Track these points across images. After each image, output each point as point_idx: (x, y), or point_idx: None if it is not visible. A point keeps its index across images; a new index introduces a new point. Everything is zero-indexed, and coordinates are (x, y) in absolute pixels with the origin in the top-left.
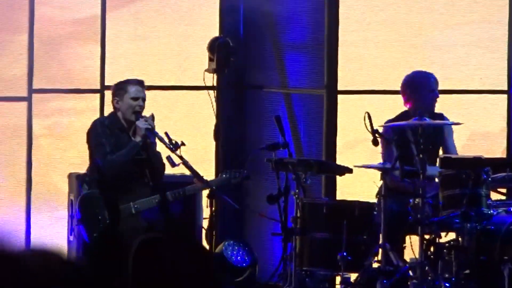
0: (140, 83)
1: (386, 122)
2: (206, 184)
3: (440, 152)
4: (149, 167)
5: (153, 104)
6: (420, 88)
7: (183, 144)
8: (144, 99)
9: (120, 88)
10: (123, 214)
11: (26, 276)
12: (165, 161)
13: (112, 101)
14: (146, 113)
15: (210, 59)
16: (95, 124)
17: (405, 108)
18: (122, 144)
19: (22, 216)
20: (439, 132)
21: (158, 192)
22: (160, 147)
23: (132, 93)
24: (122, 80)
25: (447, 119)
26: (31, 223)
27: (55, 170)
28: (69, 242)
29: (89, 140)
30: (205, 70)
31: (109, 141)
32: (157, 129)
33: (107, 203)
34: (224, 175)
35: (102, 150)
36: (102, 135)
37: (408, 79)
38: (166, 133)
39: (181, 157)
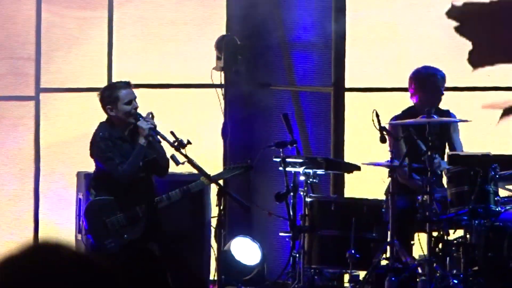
0: (128, 84)
1: (392, 119)
2: (213, 181)
3: (447, 148)
4: (157, 166)
5: (161, 102)
6: (426, 84)
7: (189, 142)
8: (135, 98)
9: (110, 96)
10: (130, 219)
11: (37, 270)
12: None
13: (105, 109)
14: (142, 111)
15: (218, 58)
16: (96, 140)
17: (410, 104)
18: (126, 153)
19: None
20: (446, 129)
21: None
22: (165, 146)
23: (125, 97)
24: (107, 86)
25: (454, 116)
26: (39, 223)
27: (63, 166)
28: (76, 240)
29: (95, 155)
30: (213, 68)
31: (115, 152)
32: (164, 128)
33: (118, 208)
34: (228, 167)
35: (112, 164)
36: (106, 149)
37: (416, 73)
38: (172, 132)
39: (186, 156)
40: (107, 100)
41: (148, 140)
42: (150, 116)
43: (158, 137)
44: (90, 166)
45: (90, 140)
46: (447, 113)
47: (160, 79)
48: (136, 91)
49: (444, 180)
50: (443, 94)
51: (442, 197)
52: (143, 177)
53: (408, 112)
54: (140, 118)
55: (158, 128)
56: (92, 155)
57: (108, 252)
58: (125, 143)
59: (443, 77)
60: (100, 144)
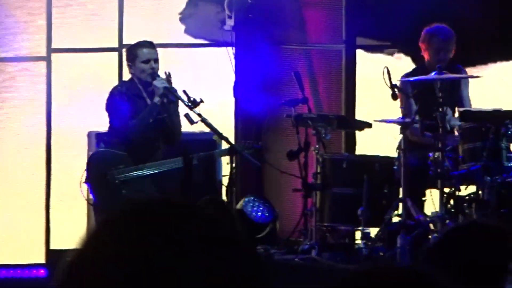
0: (150, 44)
1: (403, 77)
2: (225, 140)
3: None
4: (168, 127)
5: (172, 62)
6: (430, 43)
7: (202, 101)
8: (156, 60)
9: (130, 53)
10: (133, 175)
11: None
12: (183, 118)
13: (128, 67)
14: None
15: (228, 17)
16: (112, 92)
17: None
18: (140, 110)
19: (42, 177)
20: (457, 85)
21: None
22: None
23: (143, 56)
24: (132, 44)
25: (464, 70)
26: (51, 182)
27: (74, 129)
28: (87, 199)
29: (108, 108)
30: (224, 28)
31: (128, 107)
32: (176, 88)
33: (123, 162)
34: (238, 145)
35: (122, 117)
36: (120, 102)
37: (427, 33)
38: (185, 91)
39: (199, 115)
40: (128, 57)
41: (162, 101)
42: (168, 75)
43: (173, 96)
44: (101, 126)
45: (108, 93)
46: (457, 68)
47: (171, 38)
48: None
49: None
50: (449, 53)
51: (454, 151)
52: (153, 138)
53: (419, 70)
54: (157, 78)
55: (172, 88)
56: (105, 106)
57: (103, 205)
58: (141, 100)
59: (447, 36)
60: (115, 96)
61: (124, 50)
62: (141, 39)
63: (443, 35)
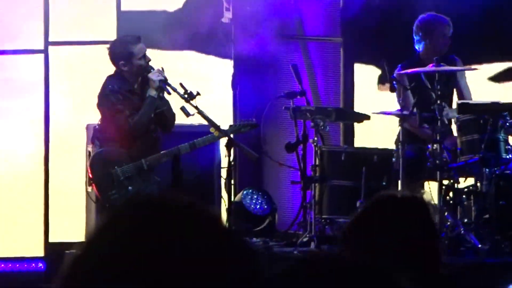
0: (139, 39)
1: (397, 68)
2: (222, 132)
3: (455, 94)
4: (168, 119)
5: (170, 55)
6: (433, 32)
7: (198, 94)
8: (145, 50)
9: (123, 51)
10: (136, 171)
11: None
12: (179, 111)
13: (116, 64)
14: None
15: (226, 9)
16: (105, 93)
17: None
18: (135, 106)
19: (41, 171)
20: (453, 75)
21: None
22: (175, 98)
23: (139, 52)
24: (118, 41)
25: (459, 61)
26: (49, 175)
27: (72, 121)
28: (86, 193)
29: (104, 108)
30: (221, 20)
31: (125, 105)
32: (173, 81)
33: (124, 158)
34: (234, 125)
35: (122, 117)
36: (116, 102)
37: (422, 21)
38: (181, 84)
39: (196, 107)
40: (120, 56)
41: (159, 94)
42: (160, 71)
43: (169, 89)
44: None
45: (98, 93)
46: (452, 59)
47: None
48: None
49: (453, 128)
50: (449, 41)
51: (453, 145)
52: (151, 130)
53: (413, 61)
54: (152, 70)
55: (168, 81)
56: (99, 107)
57: (111, 203)
58: (134, 96)
59: (449, 25)
60: (110, 97)
61: (110, 48)
62: (129, 35)
63: (446, 21)
